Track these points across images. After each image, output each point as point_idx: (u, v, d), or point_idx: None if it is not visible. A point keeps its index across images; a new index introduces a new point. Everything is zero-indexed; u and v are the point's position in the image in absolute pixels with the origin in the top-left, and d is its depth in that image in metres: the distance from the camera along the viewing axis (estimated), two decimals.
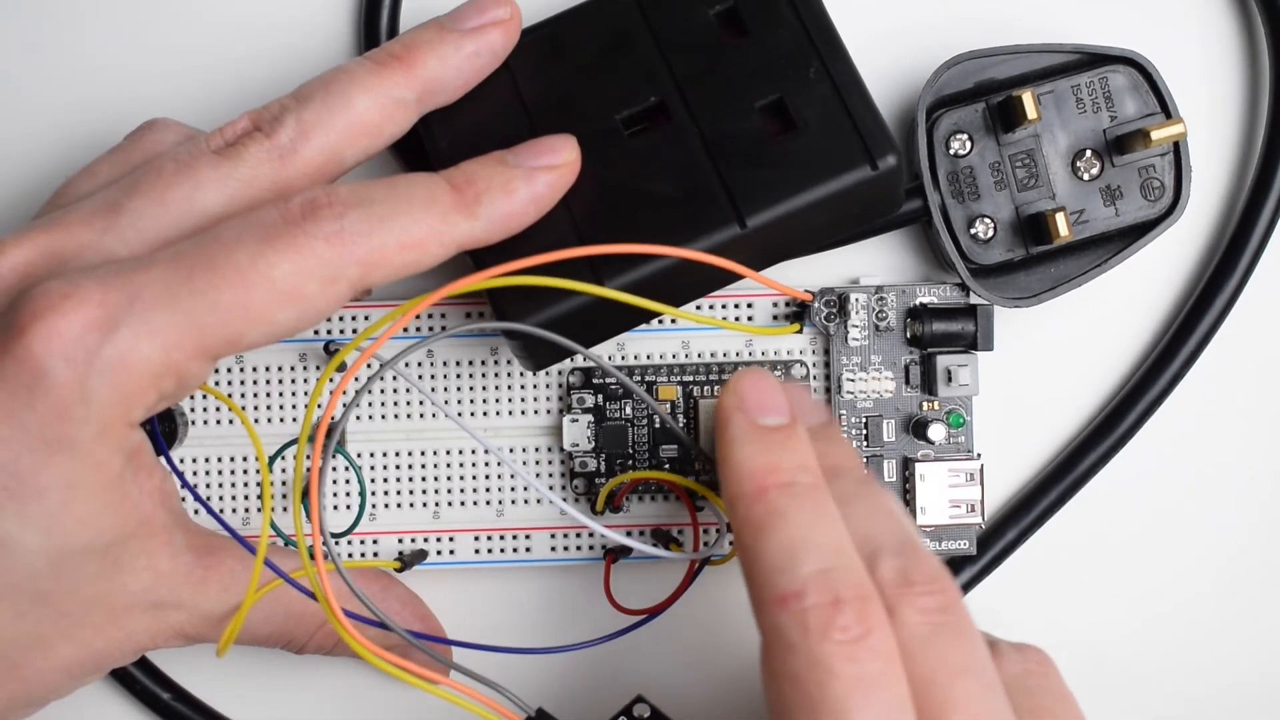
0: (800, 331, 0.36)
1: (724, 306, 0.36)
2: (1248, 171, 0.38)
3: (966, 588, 0.38)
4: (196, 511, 0.36)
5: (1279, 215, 0.37)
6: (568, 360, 0.36)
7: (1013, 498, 0.38)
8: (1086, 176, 0.36)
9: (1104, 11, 0.38)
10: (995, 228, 0.36)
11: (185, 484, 0.36)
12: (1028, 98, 0.35)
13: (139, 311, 0.28)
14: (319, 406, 0.36)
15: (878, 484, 0.31)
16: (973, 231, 0.36)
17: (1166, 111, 0.35)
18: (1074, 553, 0.38)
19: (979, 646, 0.28)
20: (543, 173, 0.31)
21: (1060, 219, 0.35)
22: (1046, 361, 0.38)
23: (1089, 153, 0.36)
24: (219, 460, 0.37)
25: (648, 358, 0.36)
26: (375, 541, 0.37)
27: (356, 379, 0.37)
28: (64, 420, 0.28)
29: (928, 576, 0.28)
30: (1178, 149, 0.36)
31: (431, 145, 0.34)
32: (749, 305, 0.36)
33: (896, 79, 0.38)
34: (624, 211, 0.32)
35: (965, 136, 0.36)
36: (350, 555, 0.37)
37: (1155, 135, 0.35)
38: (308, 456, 0.30)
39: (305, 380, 0.37)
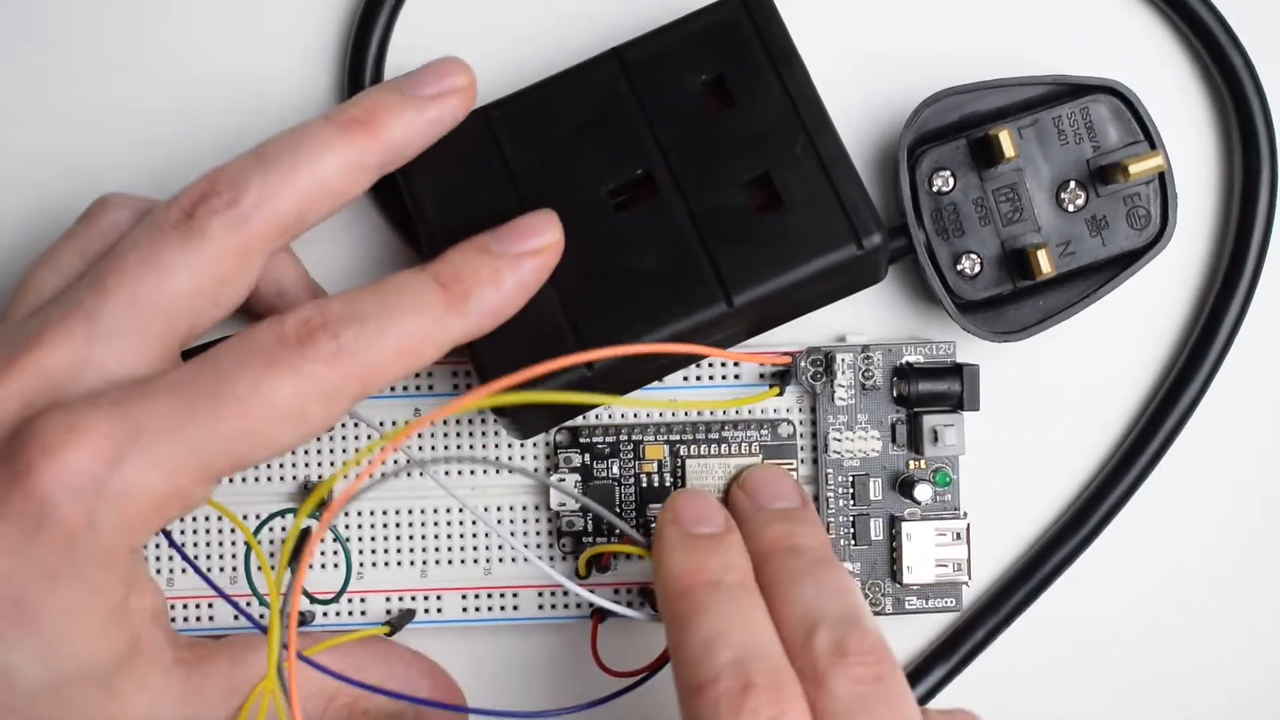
0: (780, 394, 0.36)
1: (710, 365, 0.36)
2: (1235, 190, 0.37)
3: (968, 657, 0.37)
4: (184, 570, 0.36)
5: (1269, 235, 0.37)
6: None
7: (1007, 568, 0.38)
8: (1071, 208, 0.35)
9: (1085, 43, 0.38)
10: (981, 263, 0.35)
11: (172, 544, 0.36)
12: (1005, 136, 0.34)
13: (143, 443, 0.28)
14: (322, 483, 0.36)
15: (837, 564, 0.32)
16: (959, 268, 0.35)
17: (1149, 139, 0.35)
18: (1077, 610, 0.38)
19: (910, 715, 0.28)
20: (528, 258, 0.31)
21: (1043, 255, 0.34)
22: (1040, 396, 0.38)
23: (1073, 184, 0.35)
24: (207, 520, 0.37)
25: (634, 416, 0.36)
26: (363, 600, 0.37)
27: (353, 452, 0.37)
28: (69, 550, 0.28)
29: (864, 648, 0.29)
30: (1162, 176, 0.35)
31: (417, 212, 0.34)
32: (735, 364, 0.36)
33: (878, 114, 0.37)
34: (611, 287, 0.32)
35: (948, 173, 0.35)
36: (339, 614, 0.37)
37: (1134, 169, 0.34)
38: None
39: None
